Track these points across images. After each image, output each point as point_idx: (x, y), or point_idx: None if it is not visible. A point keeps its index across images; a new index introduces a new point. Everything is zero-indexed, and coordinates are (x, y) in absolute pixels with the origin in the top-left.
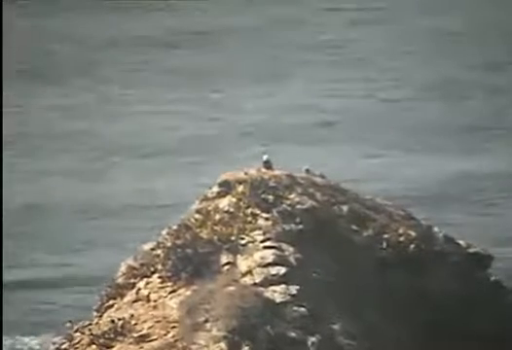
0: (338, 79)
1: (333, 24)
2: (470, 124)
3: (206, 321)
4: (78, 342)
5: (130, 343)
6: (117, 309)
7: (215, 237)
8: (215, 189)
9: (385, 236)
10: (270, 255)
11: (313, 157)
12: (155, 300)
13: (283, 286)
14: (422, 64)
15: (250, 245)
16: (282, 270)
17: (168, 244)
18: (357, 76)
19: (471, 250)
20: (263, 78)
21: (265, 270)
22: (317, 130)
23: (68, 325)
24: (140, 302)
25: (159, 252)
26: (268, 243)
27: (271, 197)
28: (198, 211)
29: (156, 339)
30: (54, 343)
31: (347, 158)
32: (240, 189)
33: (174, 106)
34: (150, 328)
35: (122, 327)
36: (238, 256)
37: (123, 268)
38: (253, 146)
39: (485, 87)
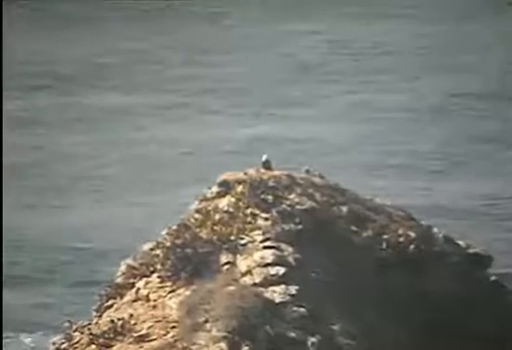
0: None
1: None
2: None
3: (206, 321)
4: (77, 342)
5: (130, 343)
6: (116, 309)
7: (215, 237)
8: (215, 189)
9: (385, 237)
10: (269, 255)
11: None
12: (154, 300)
13: (283, 286)
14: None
15: (250, 245)
16: (282, 270)
17: (168, 244)
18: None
19: (471, 250)
20: (278, 83)
21: (264, 270)
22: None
23: (67, 324)
24: (140, 302)
25: (158, 252)
26: (267, 243)
27: (270, 197)
28: (197, 211)
29: (155, 339)
30: (53, 343)
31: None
32: (240, 189)
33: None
34: (149, 327)
35: (121, 326)
36: (238, 256)
37: (122, 268)
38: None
39: None
